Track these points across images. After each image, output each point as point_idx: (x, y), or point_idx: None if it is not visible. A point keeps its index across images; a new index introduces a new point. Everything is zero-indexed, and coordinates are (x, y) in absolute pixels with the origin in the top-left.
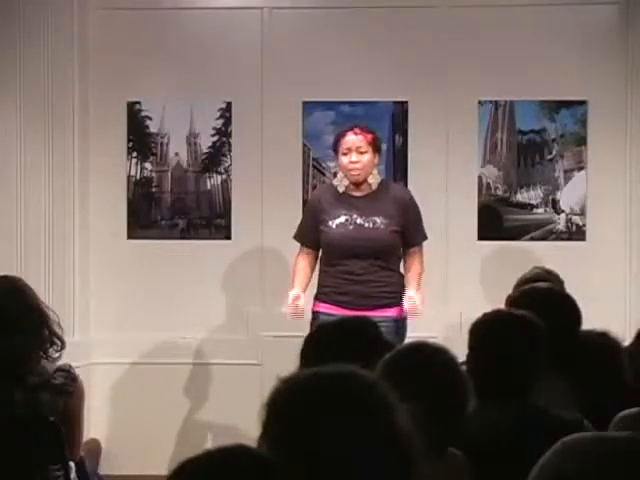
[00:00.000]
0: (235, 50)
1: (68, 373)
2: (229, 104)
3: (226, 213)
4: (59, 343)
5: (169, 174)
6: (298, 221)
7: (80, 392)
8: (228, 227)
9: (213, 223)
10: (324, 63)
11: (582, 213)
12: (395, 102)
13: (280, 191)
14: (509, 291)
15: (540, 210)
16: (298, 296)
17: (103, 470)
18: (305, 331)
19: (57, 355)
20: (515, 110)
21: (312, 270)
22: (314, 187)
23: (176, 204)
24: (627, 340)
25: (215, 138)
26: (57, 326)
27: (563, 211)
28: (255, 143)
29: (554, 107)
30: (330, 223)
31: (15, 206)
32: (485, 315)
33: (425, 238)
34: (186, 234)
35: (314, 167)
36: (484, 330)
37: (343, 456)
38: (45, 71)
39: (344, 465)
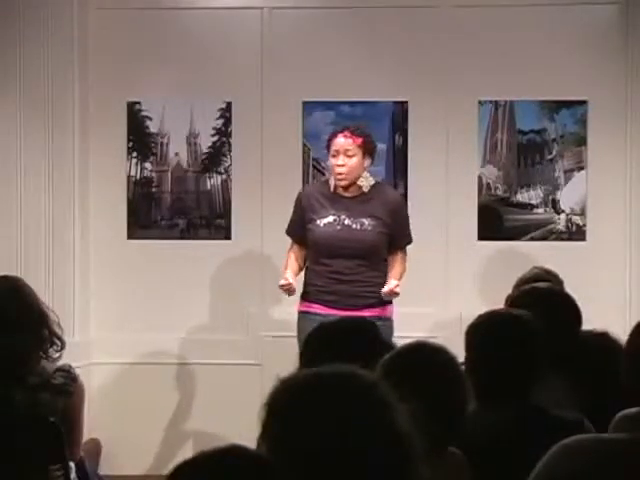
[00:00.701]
0: (235, 50)
1: (68, 373)
2: (229, 104)
3: (226, 213)
4: (59, 343)
5: (169, 174)
6: None
7: (80, 392)
8: (228, 227)
9: (213, 223)
10: (324, 63)
11: (582, 213)
12: (395, 102)
13: (280, 191)
14: (509, 291)
15: (540, 210)
16: (290, 282)
17: (103, 470)
18: (298, 331)
19: (57, 355)
20: (515, 110)
21: (303, 264)
22: None
23: (176, 204)
24: None
25: (215, 138)
26: (57, 326)
27: (563, 211)
28: (255, 143)
29: (554, 107)
30: (318, 222)
31: (15, 206)
32: (480, 317)
33: (410, 242)
34: (186, 234)
35: (314, 167)
36: (480, 331)
37: (343, 456)
38: (45, 71)
39: (344, 465)
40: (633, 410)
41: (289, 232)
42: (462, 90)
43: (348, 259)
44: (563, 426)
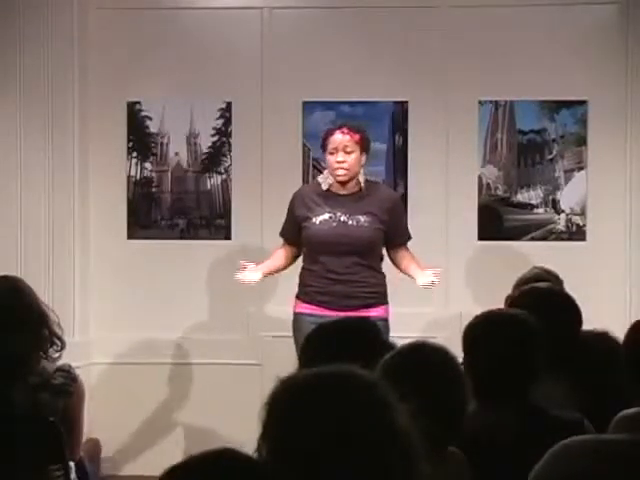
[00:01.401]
0: (235, 50)
1: (68, 373)
2: (229, 104)
3: (226, 213)
4: (59, 343)
5: (169, 174)
6: None
7: (80, 392)
8: (228, 227)
9: (213, 223)
10: (324, 63)
11: (582, 213)
12: (395, 102)
13: (280, 191)
14: (509, 291)
15: (540, 210)
16: (253, 269)
17: (103, 470)
18: (293, 332)
19: (57, 355)
20: (515, 110)
21: (285, 262)
22: None
23: (176, 204)
24: None
25: (215, 138)
26: (57, 326)
27: (563, 211)
28: (255, 143)
29: (554, 107)
30: (314, 220)
31: (15, 206)
32: (477, 317)
33: (409, 238)
34: (186, 234)
35: (314, 167)
36: (477, 332)
37: (343, 456)
38: (45, 71)
39: (344, 465)
40: (633, 410)
41: (281, 233)
42: (462, 90)
43: (344, 256)
44: (563, 426)
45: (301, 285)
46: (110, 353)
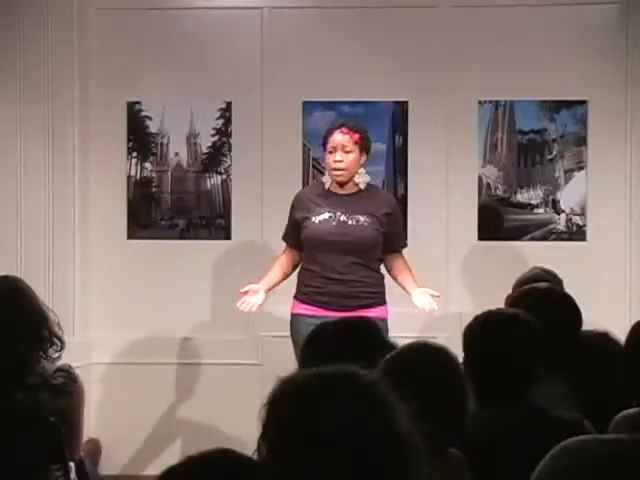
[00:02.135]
0: (235, 50)
1: (68, 373)
2: (229, 104)
3: (226, 213)
4: (59, 343)
5: (169, 174)
6: None
7: (80, 392)
8: (228, 227)
9: (213, 223)
10: (324, 63)
11: (582, 213)
12: (395, 102)
13: (280, 191)
14: (509, 291)
15: (540, 210)
16: (255, 291)
17: (103, 470)
18: (291, 333)
19: (57, 355)
20: (515, 110)
21: (286, 271)
22: None
23: (176, 204)
24: None
25: (215, 138)
26: (57, 326)
27: (563, 211)
28: (255, 143)
29: (554, 107)
30: (313, 219)
31: (15, 206)
32: (477, 317)
33: (405, 246)
34: (186, 234)
35: (314, 167)
36: (477, 332)
37: (343, 456)
38: (45, 71)
39: (344, 465)
40: (633, 410)
41: (284, 238)
42: (462, 90)
43: (343, 255)
44: (563, 426)
45: (300, 285)
46: (110, 353)
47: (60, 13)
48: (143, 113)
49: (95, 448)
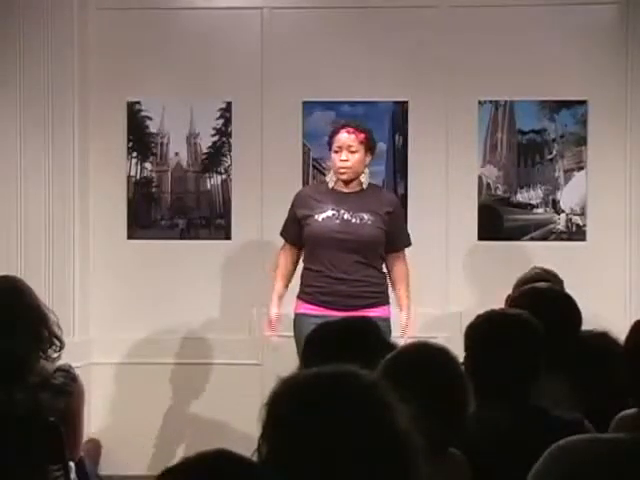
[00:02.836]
0: (235, 50)
1: (68, 373)
2: (229, 104)
3: (226, 213)
4: (58, 343)
5: (169, 174)
6: None
7: (80, 392)
8: (228, 227)
9: (213, 223)
10: (324, 63)
11: (582, 213)
12: (395, 102)
13: (280, 191)
14: (509, 291)
15: (540, 210)
16: (279, 317)
17: (103, 470)
18: (294, 333)
19: (56, 355)
20: (515, 110)
21: (290, 274)
22: None
23: (176, 204)
24: None
25: (215, 138)
26: (56, 326)
27: (563, 211)
28: (255, 143)
29: (554, 107)
30: (316, 217)
31: (15, 206)
32: (478, 317)
33: (409, 244)
34: (186, 234)
35: (314, 167)
36: (479, 332)
37: (343, 456)
38: (45, 71)
39: (344, 465)
40: (633, 410)
41: (282, 233)
42: (462, 90)
43: (346, 254)
44: (563, 426)
45: (303, 285)
46: (110, 353)
47: (60, 13)
48: (143, 113)
49: (95, 448)
